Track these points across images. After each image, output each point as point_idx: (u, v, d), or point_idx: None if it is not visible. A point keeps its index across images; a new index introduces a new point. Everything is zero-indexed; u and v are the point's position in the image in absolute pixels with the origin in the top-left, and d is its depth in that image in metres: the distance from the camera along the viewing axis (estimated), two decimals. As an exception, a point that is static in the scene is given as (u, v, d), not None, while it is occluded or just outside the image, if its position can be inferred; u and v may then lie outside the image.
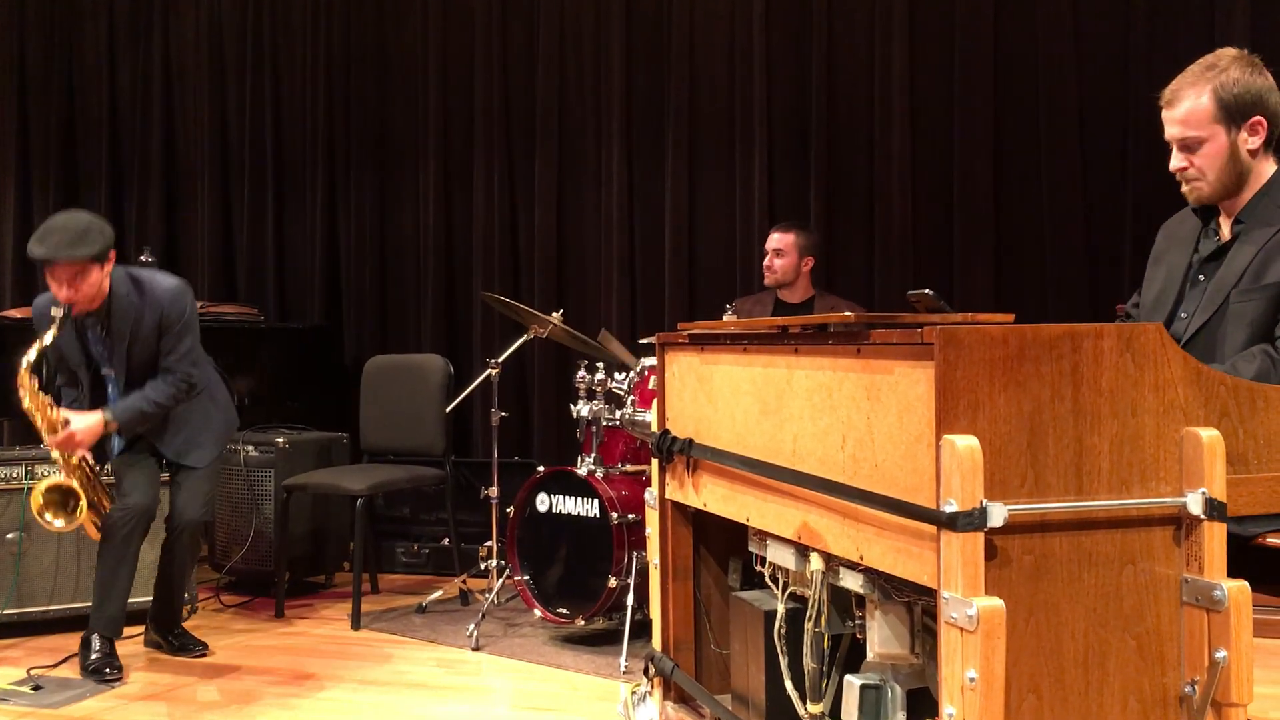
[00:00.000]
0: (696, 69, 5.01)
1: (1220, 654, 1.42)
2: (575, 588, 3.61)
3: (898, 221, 4.65)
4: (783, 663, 1.92)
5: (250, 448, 4.40)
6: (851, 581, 1.71)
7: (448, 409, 4.32)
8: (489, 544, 4.07)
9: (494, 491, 4.05)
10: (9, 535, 3.79)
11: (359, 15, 5.61)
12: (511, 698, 3.20)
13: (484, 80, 5.33)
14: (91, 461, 3.43)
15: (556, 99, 5.22)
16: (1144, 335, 1.47)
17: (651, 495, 2.35)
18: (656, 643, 2.35)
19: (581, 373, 3.73)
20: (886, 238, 4.68)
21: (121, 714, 3.05)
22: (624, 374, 3.73)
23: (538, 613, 3.64)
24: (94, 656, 3.34)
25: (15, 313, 4.71)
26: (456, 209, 5.43)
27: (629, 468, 3.74)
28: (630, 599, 3.46)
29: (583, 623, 3.59)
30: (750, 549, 2.07)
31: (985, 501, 1.35)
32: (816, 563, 1.78)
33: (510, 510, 3.75)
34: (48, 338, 3.26)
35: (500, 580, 3.95)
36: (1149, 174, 4.22)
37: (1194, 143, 2.05)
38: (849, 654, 1.89)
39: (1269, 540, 1.80)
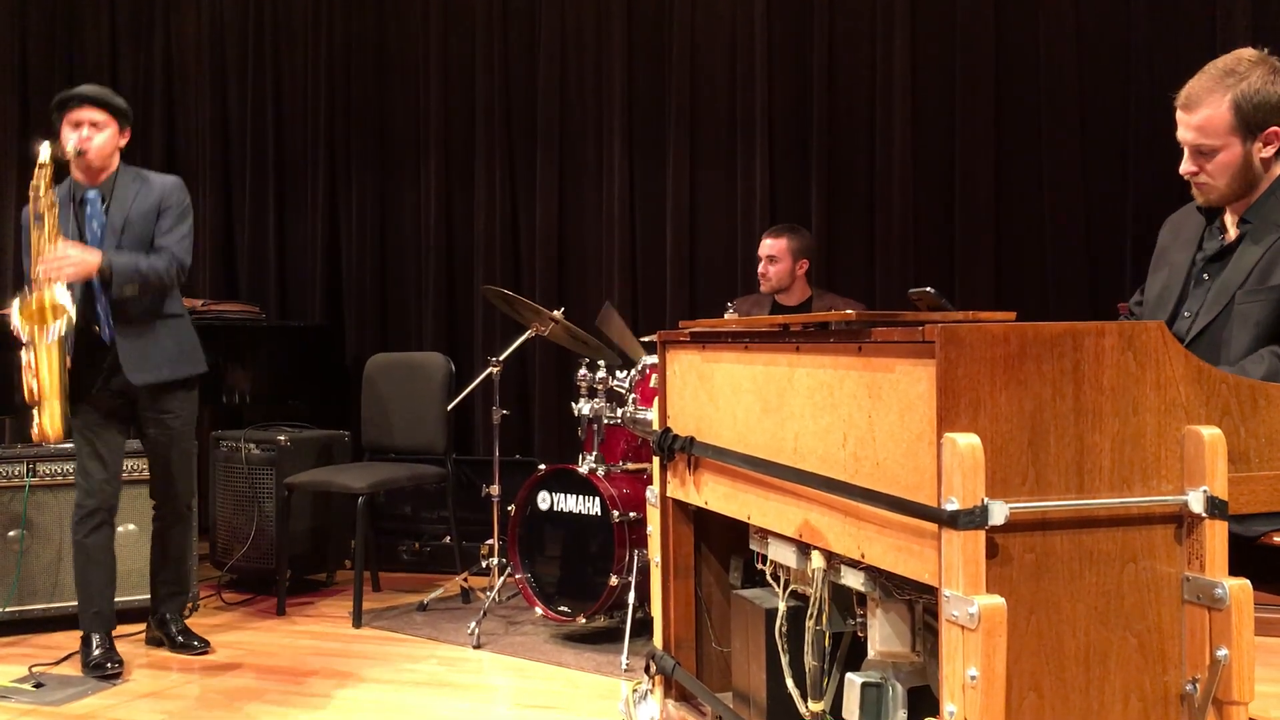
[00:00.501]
0: (697, 68, 5.01)
1: (1221, 652, 1.42)
2: (576, 586, 3.62)
3: (898, 221, 4.65)
4: (784, 661, 1.92)
5: (252, 446, 4.41)
6: (853, 579, 1.71)
7: (449, 407, 4.32)
8: (490, 542, 4.08)
9: (495, 489, 4.06)
10: (11, 533, 3.80)
11: (359, 15, 5.60)
12: (512, 695, 3.20)
13: (485, 79, 5.33)
14: (67, 323, 3.16)
15: (557, 98, 5.22)
16: (1145, 333, 1.47)
17: (653, 493, 2.35)
18: (658, 641, 2.35)
19: (583, 371, 3.74)
20: (887, 237, 4.68)
21: (123, 711, 3.06)
22: (625, 372, 3.73)
23: (539, 611, 3.65)
24: (95, 654, 3.36)
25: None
26: (457, 207, 5.43)
27: (630, 466, 3.75)
28: (631, 597, 3.46)
29: (584, 621, 3.59)
30: (751, 547, 2.08)
31: (986, 499, 1.35)
32: (818, 561, 1.78)
33: (511, 508, 3.76)
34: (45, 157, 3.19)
35: (501, 578, 3.95)
36: (1150, 174, 4.23)
37: (1208, 150, 2.02)
38: (850, 652, 1.89)
39: (1272, 539, 1.80)
